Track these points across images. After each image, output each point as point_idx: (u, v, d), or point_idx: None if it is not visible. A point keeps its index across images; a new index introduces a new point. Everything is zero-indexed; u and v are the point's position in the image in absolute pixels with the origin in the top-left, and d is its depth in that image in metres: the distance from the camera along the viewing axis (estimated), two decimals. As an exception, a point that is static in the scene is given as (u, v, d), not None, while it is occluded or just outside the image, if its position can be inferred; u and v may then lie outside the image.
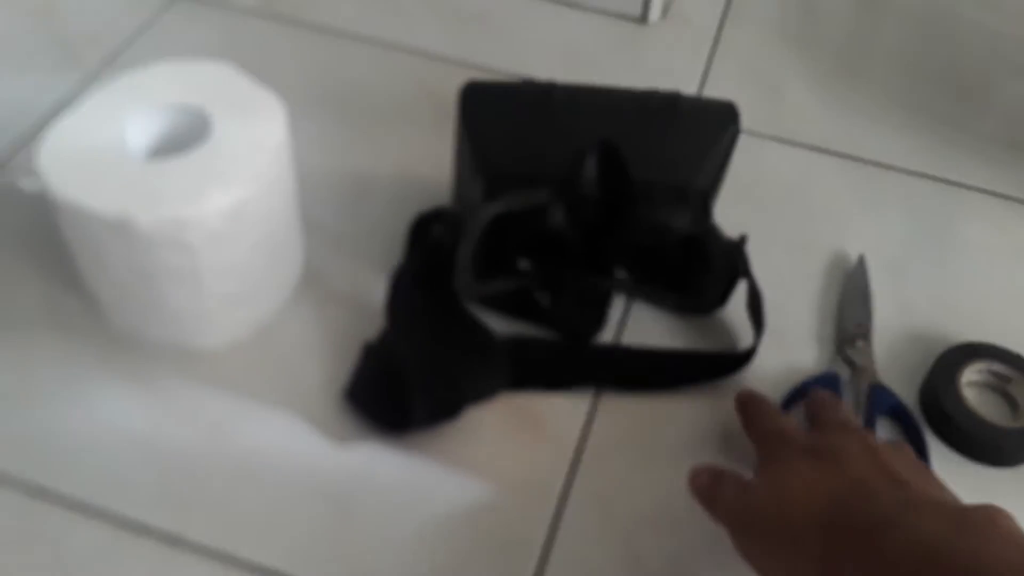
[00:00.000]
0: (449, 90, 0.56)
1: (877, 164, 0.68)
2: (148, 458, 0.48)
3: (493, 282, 0.55)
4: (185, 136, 0.51)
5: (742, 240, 0.53)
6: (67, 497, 0.46)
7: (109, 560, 0.45)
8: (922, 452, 0.51)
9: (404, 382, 0.49)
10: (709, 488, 0.45)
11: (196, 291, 0.49)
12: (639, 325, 0.56)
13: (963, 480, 0.43)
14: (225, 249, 0.48)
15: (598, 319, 0.55)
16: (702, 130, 0.55)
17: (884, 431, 0.52)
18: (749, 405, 0.49)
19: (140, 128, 0.50)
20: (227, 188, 0.47)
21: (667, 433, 0.51)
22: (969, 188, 0.67)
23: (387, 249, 0.57)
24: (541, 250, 0.55)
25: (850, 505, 0.39)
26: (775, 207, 0.64)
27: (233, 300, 0.51)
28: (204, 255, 0.48)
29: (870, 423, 0.51)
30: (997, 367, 0.54)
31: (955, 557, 0.35)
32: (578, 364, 0.54)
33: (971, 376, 0.53)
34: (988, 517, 0.36)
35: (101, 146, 0.48)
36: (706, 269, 0.54)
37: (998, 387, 0.54)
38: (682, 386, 0.53)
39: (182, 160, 0.48)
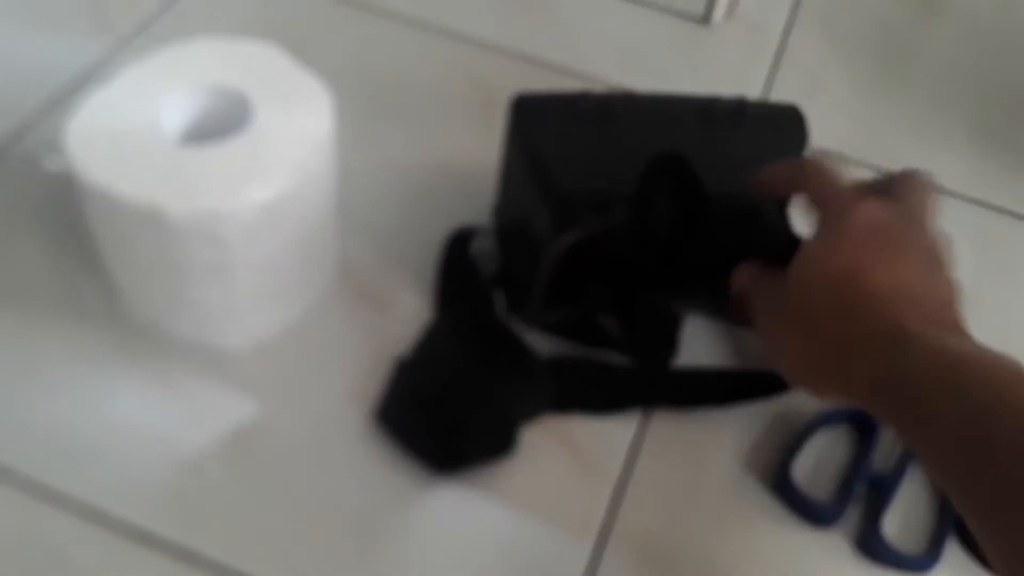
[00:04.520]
0: (500, 83, 0.53)
1: (940, 190, 0.65)
2: (162, 462, 0.45)
3: (562, 309, 0.51)
4: (223, 121, 0.48)
5: None
6: (74, 499, 0.44)
7: (117, 570, 0.42)
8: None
9: (449, 414, 0.46)
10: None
11: (225, 287, 0.47)
12: (695, 342, 0.53)
13: None
14: (260, 245, 0.45)
15: (671, 341, 0.52)
16: (770, 136, 0.52)
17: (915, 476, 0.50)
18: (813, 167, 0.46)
19: (175, 109, 0.47)
20: (267, 181, 0.44)
21: (718, 465, 0.49)
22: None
23: (426, 251, 0.54)
24: (611, 273, 0.51)
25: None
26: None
27: (263, 298, 0.48)
28: (237, 250, 0.45)
29: (903, 465, 0.50)
30: None
31: None
32: (625, 385, 0.51)
33: None
34: None
35: (133, 127, 0.45)
36: None
37: None
38: (734, 402, 0.51)
39: (220, 148, 0.45)
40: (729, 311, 0.51)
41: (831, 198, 0.43)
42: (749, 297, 0.46)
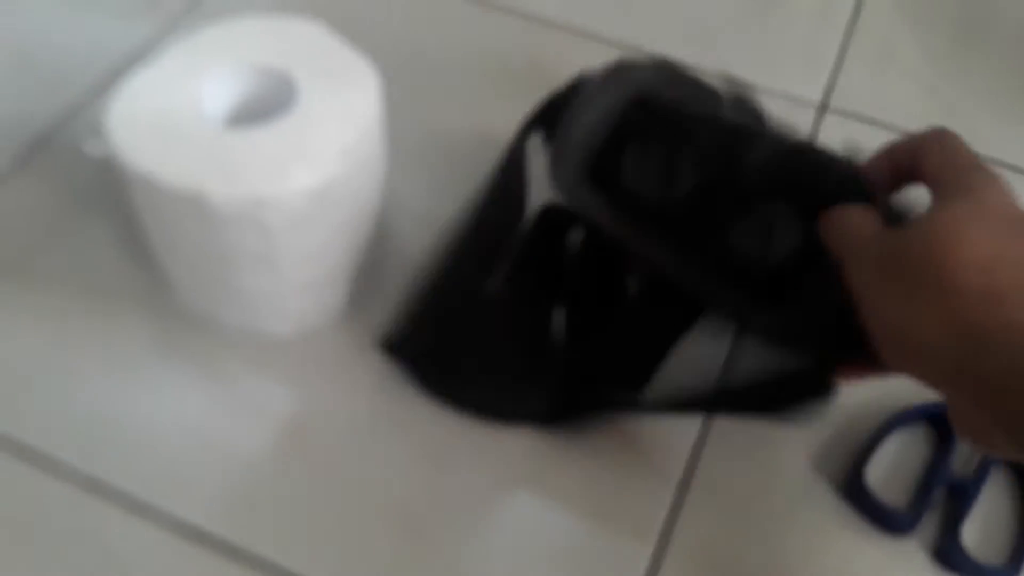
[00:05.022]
0: (559, 61, 0.50)
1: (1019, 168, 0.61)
2: (210, 455, 0.44)
3: (601, 194, 0.42)
4: (268, 102, 0.46)
5: None
6: (122, 492, 0.43)
7: (163, 567, 0.41)
8: None
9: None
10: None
11: (271, 276, 0.45)
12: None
13: None
14: (306, 233, 0.44)
15: (645, 371, 0.45)
16: None
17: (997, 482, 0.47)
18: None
19: (220, 91, 0.45)
20: (312, 166, 0.42)
21: (786, 467, 0.46)
22: None
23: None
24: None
25: None
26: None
27: (310, 286, 0.47)
28: (282, 238, 0.43)
29: (984, 469, 0.46)
30: None
31: None
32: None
33: None
34: None
35: (176, 110, 0.43)
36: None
37: None
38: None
39: (265, 131, 0.43)
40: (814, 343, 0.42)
41: (959, 171, 0.38)
42: (844, 241, 0.39)
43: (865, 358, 0.39)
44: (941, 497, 0.46)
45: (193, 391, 0.46)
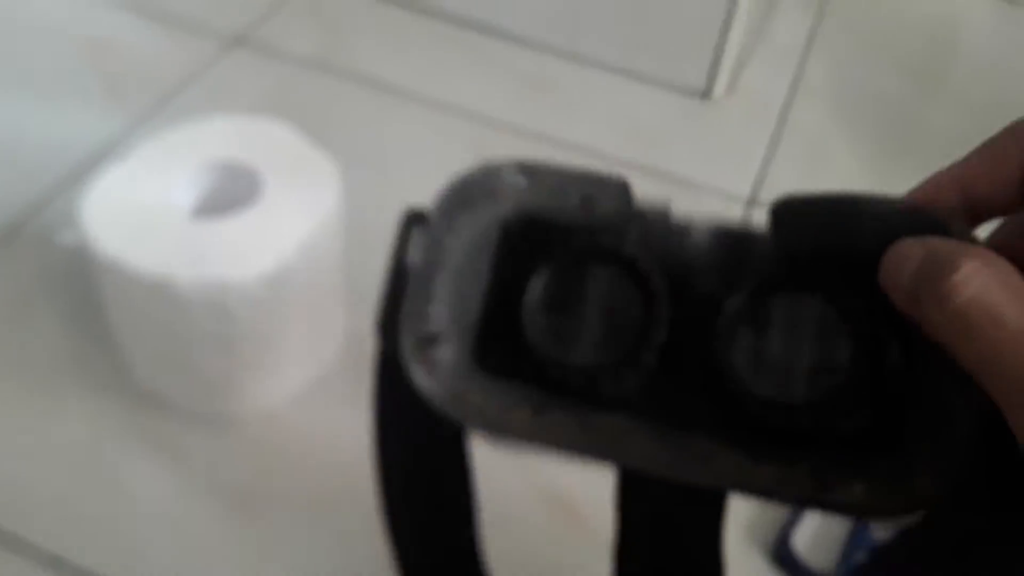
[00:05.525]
0: (503, 157, 0.53)
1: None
2: (167, 533, 0.46)
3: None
4: (233, 195, 0.49)
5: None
6: (83, 570, 0.44)
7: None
8: None
9: None
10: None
11: (231, 358, 0.48)
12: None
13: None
14: (265, 316, 0.47)
15: None
16: None
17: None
18: None
19: (188, 185, 0.49)
20: (272, 254, 0.45)
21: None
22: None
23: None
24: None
25: None
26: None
27: (269, 369, 0.49)
28: (243, 321, 0.46)
29: None
30: None
31: None
32: None
33: None
34: None
35: (147, 202, 0.47)
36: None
37: None
38: None
39: (229, 222, 0.46)
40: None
41: None
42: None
43: None
44: (864, 560, 0.48)
45: (150, 469, 0.48)
